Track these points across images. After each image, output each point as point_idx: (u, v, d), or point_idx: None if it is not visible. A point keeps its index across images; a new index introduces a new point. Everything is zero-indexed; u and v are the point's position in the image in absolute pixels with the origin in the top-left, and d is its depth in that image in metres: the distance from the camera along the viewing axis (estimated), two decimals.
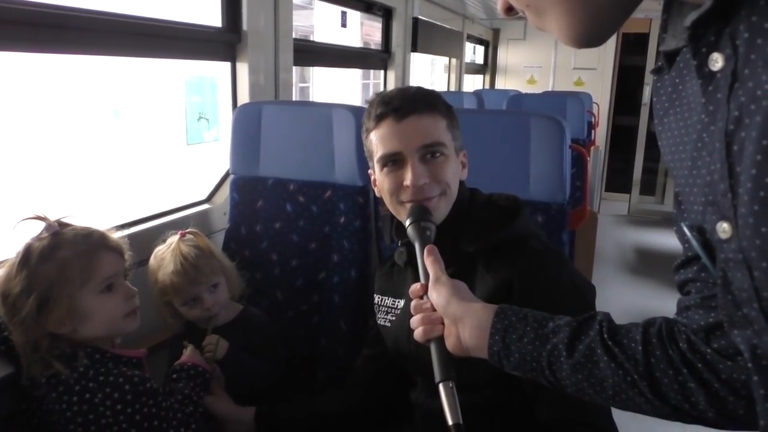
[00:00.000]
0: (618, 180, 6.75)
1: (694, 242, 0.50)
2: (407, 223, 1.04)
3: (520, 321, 0.80)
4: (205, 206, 1.98)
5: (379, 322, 1.31)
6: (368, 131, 1.17)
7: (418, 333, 0.88)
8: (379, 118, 1.13)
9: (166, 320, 1.42)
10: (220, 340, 1.35)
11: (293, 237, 1.73)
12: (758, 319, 0.42)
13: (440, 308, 0.86)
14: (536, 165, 1.55)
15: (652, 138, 6.42)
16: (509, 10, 0.52)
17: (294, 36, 2.26)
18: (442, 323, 0.87)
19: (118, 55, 1.66)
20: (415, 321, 0.89)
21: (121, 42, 1.60)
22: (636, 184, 6.49)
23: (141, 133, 9.67)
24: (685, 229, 0.51)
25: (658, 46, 0.49)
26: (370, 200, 1.68)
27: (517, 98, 3.89)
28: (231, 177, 1.82)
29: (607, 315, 0.78)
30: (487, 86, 6.60)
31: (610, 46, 5.97)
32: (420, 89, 1.18)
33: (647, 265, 4.84)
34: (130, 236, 1.27)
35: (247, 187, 1.78)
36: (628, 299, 3.94)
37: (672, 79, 0.47)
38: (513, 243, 1.12)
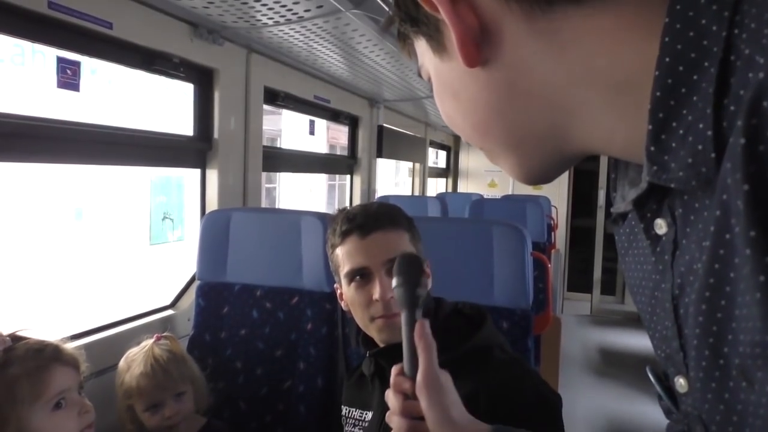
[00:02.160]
0: (579, 280, 6.87)
1: (658, 388, 0.51)
2: (393, 284, 0.84)
3: None
4: (169, 312, 1.95)
5: None
6: (334, 247, 1.20)
7: None
8: (345, 235, 1.17)
9: (125, 428, 1.36)
10: None
11: (258, 344, 1.70)
12: None
13: (430, 425, 0.73)
14: (500, 271, 1.59)
15: (609, 239, 6.62)
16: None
17: (263, 141, 2.34)
18: None
19: (91, 163, 1.69)
20: (399, 425, 0.77)
21: (94, 151, 1.63)
22: (597, 284, 6.62)
23: (103, 233, 9.55)
24: (650, 376, 0.53)
25: (610, 199, 0.53)
26: (337, 305, 1.68)
27: (479, 203, 4.01)
28: (197, 283, 1.81)
29: None
30: (449, 189, 6.79)
31: None
32: (381, 205, 1.22)
33: (612, 365, 4.84)
34: (91, 344, 1.24)
35: (213, 293, 1.76)
36: (595, 401, 3.91)
37: (626, 230, 0.50)
38: (478, 354, 1.13)
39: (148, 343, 1.39)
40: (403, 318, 0.78)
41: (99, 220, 9.72)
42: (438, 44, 0.47)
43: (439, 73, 0.49)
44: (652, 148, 0.37)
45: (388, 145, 3.91)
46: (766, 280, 0.30)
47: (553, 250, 4.12)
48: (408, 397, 0.76)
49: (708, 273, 0.35)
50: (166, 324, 1.87)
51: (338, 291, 1.24)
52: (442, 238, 1.64)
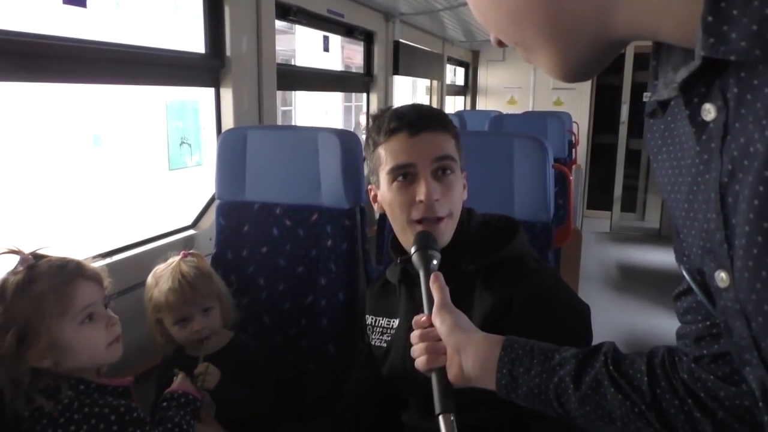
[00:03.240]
0: (599, 197, 6.83)
1: (694, 286, 0.50)
2: (412, 250, 1.01)
3: (527, 354, 0.79)
4: (191, 232, 1.97)
5: (373, 343, 1.30)
6: (376, 144, 1.16)
7: (420, 362, 0.86)
8: (392, 132, 1.12)
9: (156, 340, 1.41)
10: (211, 368, 1.33)
11: (280, 261, 1.72)
12: (759, 367, 0.42)
13: (443, 335, 0.85)
14: (520, 185, 1.57)
15: (631, 155, 6.52)
16: (501, 42, 0.53)
17: (276, 60, 2.28)
18: (445, 353, 0.85)
19: (102, 83, 1.66)
20: (417, 349, 0.88)
21: (104, 70, 1.60)
22: (617, 201, 6.57)
23: (122, 159, 9.61)
24: (685, 273, 0.52)
25: (648, 90, 0.50)
26: (356, 222, 1.68)
27: (498, 119, 3.93)
28: (216, 202, 1.81)
29: (611, 345, 0.78)
30: (468, 107, 6.66)
31: None
32: (432, 108, 1.19)
33: (630, 281, 4.88)
34: (114, 264, 1.26)
35: (233, 212, 1.77)
36: (613, 315, 3.96)
37: (665, 120, 0.47)
38: (510, 263, 1.13)
39: (174, 259, 1.41)
40: (422, 275, 0.95)
41: (117, 146, 9.76)
42: None
43: None
44: (710, 18, 0.35)
45: (404, 61, 3.81)
46: None
47: (574, 166, 4.07)
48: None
49: (760, 153, 0.34)
50: (188, 243, 1.89)
51: (372, 193, 1.22)
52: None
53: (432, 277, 0.90)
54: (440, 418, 0.78)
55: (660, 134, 0.49)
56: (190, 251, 1.44)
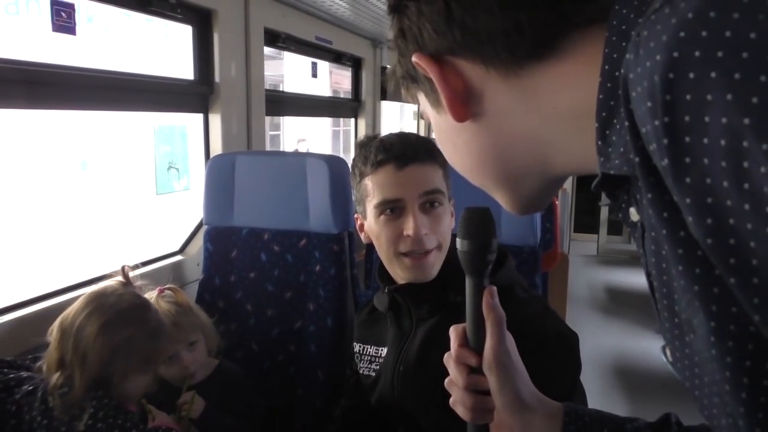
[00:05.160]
0: (586, 220, 6.87)
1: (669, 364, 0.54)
2: (459, 238, 0.71)
3: (596, 422, 0.70)
4: (179, 257, 1.96)
5: (361, 371, 1.29)
6: (362, 176, 1.16)
7: (462, 412, 0.72)
8: (379, 164, 1.12)
9: None
10: (196, 397, 1.32)
11: (268, 286, 1.72)
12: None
13: (498, 405, 0.69)
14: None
15: None
16: None
17: (265, 86, 2.30)
18: (492, 410, 0.70)
19: (90, 109, 1.67)
20: (459, 400, 0.72)
21: (93, 96, 1.60)
22: (603, 224, 6.62)
23: (109, 183, 9.57)
24: (663, 355, 0.56)
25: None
26: (345, 248, 1.69)
27: None
28: (204, 227, 1.81)
29: (676, 416, 0.72)
30: None
31: None
32: (420, 137, 1.19)
33: (618, 304, 4.90)
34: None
35: (221, 237, 1.77)
36: (601, 338, 3.97)
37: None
38: (499, 291, 1.13)
39: (152, 296, 1.36)
40: (467, 284, 0.70)
41: (105, 171, 9.71)
42: (434, 100, 0.55)
43: (437, 123, 0.57)
44: (600, 143, 0.44)
45: (392, 87, 3.84)
46: (683, 252, 0.37)
47: (560, 190, 4.10)
48: (473, 370, 0.70)
49: (651, 250, 0.43)
50: (176, 269, 1.88)
51: (358, 222, 1.22)
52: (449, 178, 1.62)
53: (486, 297, 0.69)
54: None
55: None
56: (167, 286, 1.41)
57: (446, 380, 0.73)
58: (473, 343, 0.70)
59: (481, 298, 0.69)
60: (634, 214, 0.46)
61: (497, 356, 0.68)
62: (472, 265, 0.69)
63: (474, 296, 0.69)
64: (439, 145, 0.61)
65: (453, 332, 0.72)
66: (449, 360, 0.72)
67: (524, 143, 0.52)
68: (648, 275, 0.46)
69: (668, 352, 0.50)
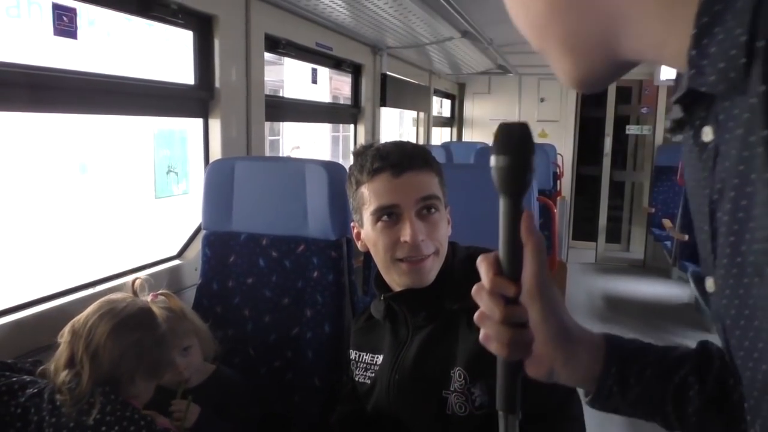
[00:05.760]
0: (584, 228, 6.87)
1: (697, 291, 0.54)
2: (493, 162, 0.60)
3: (639, 351, 0.67)
4: (176, 262, 1.96)
5: (357, 379, 1.28)
6: (359, 184, 1.16)
7: (497, 348, 0.63)
8: (375, 172, 1.13)
9: None
10: (191, 404, 1.31)
11: (266, 292, 1.72)
12: (731, 363, 0.45)
13: (538, 339, 0.63)
14: None
15: (615, 187, 6.59)
16: None
17: (265, 92, 2.30)
18: (531, 343, 0.64)
19: (91, 113, 1.67)
20: (498, 333, 0.62)
21: (94, 100, 1.61)
22: (602, 232, 6.62)
23: (108, 187, 9.56)
24: (691, 279, 0.55)
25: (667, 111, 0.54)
26: (343, 254, 1.69)
27: (484, 151, 3.97)
28: (203, 232, 1.81)
29: (714, 344, 0.68)
30: (454, 138, 6.73)
31: (571, 98, 6.18)
32: (415, 146, 1.19)
33: (616, 311, 4.89)
34: (98, 294, 1.25)
35: (219, 243, 1.77)
36: None
37: (685, 137, 0.51)
38: None
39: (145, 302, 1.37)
40: (502, 206, 0.61)
41: (104, 174, 9.71)
42: None
43: None
44: (694, 52, 0.39)
45: (391, 93, 3.86)
46: None
47: (558, 198, 4.11)
48: (509, 301, 0.62)
49: (734, 174, 0.38)
50: (173, 274, 1.88)
51: (354, 230, 1.22)
52: (448, 183, 1.62)
53: (526, 219, 0.60)
54: (500, 414, 0.65)
55: (684, 150, 0.53)
56: (160, 292, 1.40)
57: (476, 314, 0.64)
58: (508, 272, 0.62)
59: (519, 222, 0.61)
60: (707, 133, 0.42)
61: (540, 284, 0.61)
62: (510, 183, 0.59)
63: (511, 220, 0.61)
64: None
65: (483, 261, 0.63)
66: (480, 292, 0.63)
67: (595, 12, 0.47)
68: (711, 203, 0.42)
69: (709, 283, 0.46)
